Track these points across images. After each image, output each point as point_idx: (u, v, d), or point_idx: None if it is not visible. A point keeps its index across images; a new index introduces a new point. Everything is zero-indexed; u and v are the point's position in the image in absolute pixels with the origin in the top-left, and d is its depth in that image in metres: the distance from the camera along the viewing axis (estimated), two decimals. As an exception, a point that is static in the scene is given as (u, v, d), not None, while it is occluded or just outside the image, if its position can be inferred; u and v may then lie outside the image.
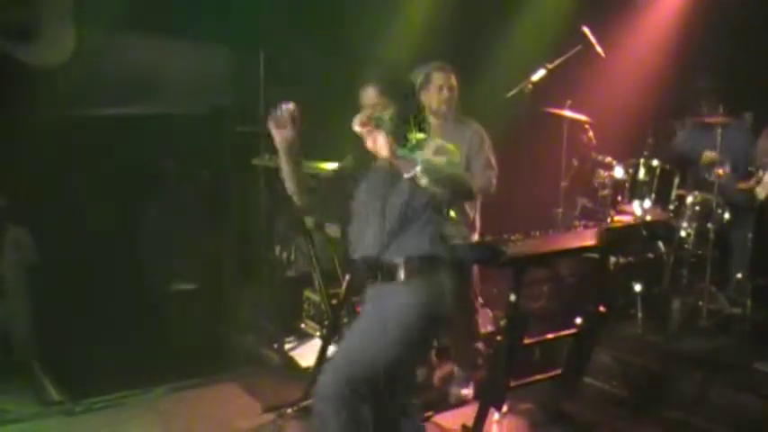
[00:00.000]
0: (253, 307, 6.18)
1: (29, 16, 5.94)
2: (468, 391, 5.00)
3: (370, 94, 3.35)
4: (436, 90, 4.80)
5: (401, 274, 3.31)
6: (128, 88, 6.09)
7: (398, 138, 3.18)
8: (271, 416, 4.86)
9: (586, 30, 5.81)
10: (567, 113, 6.02)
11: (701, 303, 5.64)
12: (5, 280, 5.69)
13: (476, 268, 4.93)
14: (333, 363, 3.40)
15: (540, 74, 5.53)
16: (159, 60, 6.24)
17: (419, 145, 3.24)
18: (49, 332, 5.32)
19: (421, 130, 3.34)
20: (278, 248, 6.13)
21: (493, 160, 4.85)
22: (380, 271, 3.35)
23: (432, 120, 4.76)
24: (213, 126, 6.37)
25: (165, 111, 6.20)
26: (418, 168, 3.05)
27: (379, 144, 3.09)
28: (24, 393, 5.21)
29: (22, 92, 5.89)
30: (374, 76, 3.39)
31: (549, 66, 5.56)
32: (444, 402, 4.94)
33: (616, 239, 4.77)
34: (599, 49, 5.83)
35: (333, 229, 4.50)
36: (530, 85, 5.49)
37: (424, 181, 3.06)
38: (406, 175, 3.09)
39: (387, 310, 3.32)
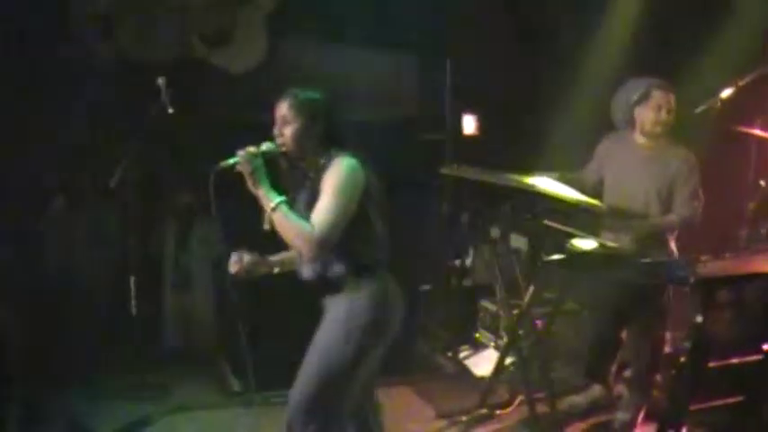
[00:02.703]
0: (428, 314, 6.24)
1: (225, 23, 6.23)
2: (631, 418, 4.80)
3: (281, 106, 3.39)
4: (654, 109, 4.62)
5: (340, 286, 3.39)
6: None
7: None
8: (443, 422, 4.93)
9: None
10: (758, 132, 5.82)
11: None
12: (192, 273, 5.98)
13: (671, 289, 4.71)
14: (297, 381, 3.41)
15: (729, 90, 5.37)
16: (347, 69, 6.35)
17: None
18: (231, 325, 5.53)
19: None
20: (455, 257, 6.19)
21: (700, 191, 4.68)
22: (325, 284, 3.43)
23: (640, 140, 4.74)
24: (399, 134, 6.47)
25: (351, 119, 6.33)
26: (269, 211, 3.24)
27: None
28: (206, 383, 5.47)
29: (213, 94, 6.19)
30: (291, 90, 3.42)
31: (740, 82, 5.39)
32: (610, 425, 4.85)
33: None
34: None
35: (517, 240, 4.51)
36: (718, 103, 5.34)
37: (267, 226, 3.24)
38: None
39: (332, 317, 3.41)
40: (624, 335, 4.91)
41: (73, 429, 4.58)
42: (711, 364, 4.33)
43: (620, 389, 5.00)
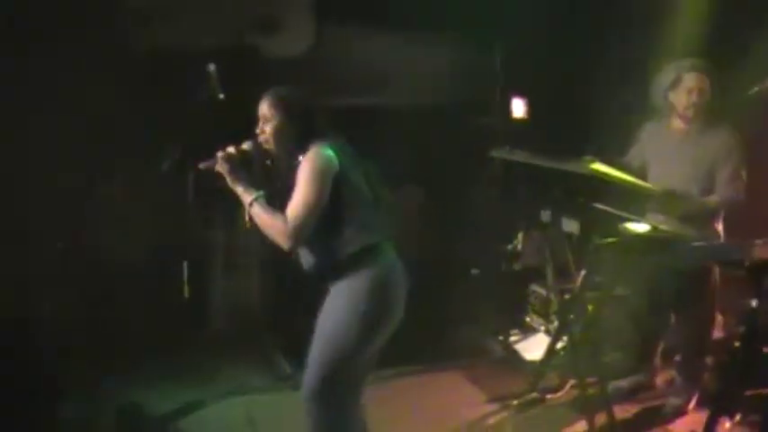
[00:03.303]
0: (478, 298, 6.24)
1: (273, 9, 6.25)
2: (686, 403, 4.79)
3: (261, 105, 3.55)
4: (685, 92, 4.57)
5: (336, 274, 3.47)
6: (363, 80, 6.26)
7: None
8: (494, 406, 4.94)
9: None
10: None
11: None
12: (242, 257, 6.02)
13: (717, 273, 4.70)
14: (308, 368, 3.51)
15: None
16: (394, 53, 6.36)
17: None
18: (282, 306, 5.57)
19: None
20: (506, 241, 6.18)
21: (743, 171, 4.59)
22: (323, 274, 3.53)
23: (677, 124, 4.69)
24: (448, 119, 6.47)
25: (400, 102, 6.34)
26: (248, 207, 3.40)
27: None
28: (257, 366, 5.52)
29: (262, 81, 6.21)
30: (271, 89, 3.57)
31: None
32: (661, 410, 4.81)
33: None
34: None
35: (569, 224, 4.48)
36: (768, 84, 5.22)
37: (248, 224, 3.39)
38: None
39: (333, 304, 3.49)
40: (671, 319, 4.89)
41: (126, 412, 4.64)
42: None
43: (672, 374, 4.97)
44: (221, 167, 3.46)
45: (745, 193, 4.62)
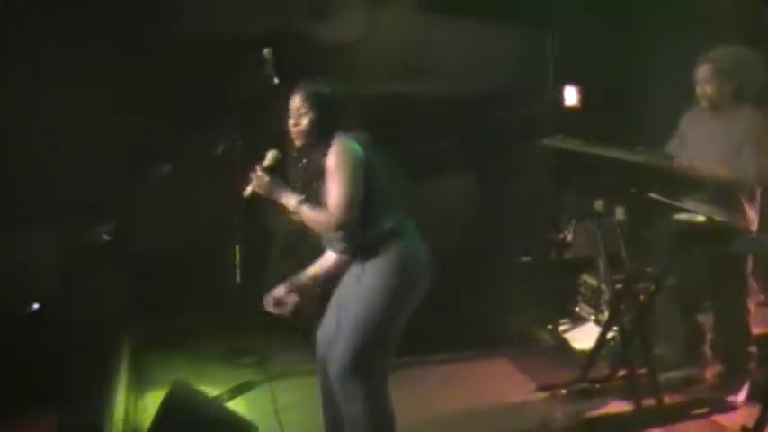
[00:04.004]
0: (527, 286, 6.22)
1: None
2: (736, 397, 4.73)
3: (294, 99, 3.64)
4: (698, 84, 4.61)
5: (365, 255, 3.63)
6: (415, 66, 6.26)
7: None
8: (543, 394, 4.93)
9: None
10: None
11: None
12: (297, 242, 6.03)
13: (751, 262, 4.67)
14: (336, 349, 3.63)
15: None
16: (448, 38, 6.32)
17: None
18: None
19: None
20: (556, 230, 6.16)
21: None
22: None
23: (708, 113, 4.67)
24: (500, 105, 6.45)
25: (451, 89, 6.33)
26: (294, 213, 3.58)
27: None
28: (307, 350, 5.54)
29: (312, 68, 6.22)
30: (304, 83, 3.68)
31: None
32: (714, 403, 4.75)
33: None
34: None
35: (622, 214, 4.46)
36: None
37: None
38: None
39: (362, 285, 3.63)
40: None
41: (177, 393, 4.70)
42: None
43: (719, 367, 4.92)
44: (259, 190, 3.64)
45: None
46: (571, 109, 6.35)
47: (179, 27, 5.85)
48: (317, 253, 3.87)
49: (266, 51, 5.02)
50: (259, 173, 3.63)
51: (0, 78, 5.31)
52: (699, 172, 4.48)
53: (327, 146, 3.52)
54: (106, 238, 5.86)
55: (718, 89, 4.57)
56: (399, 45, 6.15)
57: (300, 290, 3.78)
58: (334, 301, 3.83)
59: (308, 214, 3.54)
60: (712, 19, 5.61)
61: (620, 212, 4.49)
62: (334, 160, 3.49)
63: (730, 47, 4.66)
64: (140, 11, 5.70)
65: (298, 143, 3.67)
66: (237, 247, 5.45)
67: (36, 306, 5.37)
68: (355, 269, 3.68)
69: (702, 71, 4.61)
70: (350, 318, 3.60)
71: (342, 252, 3.72)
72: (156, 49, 5.71)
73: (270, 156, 3.67)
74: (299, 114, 3.61)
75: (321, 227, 3.58)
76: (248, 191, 3.67)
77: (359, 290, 3.61)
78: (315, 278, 3.83)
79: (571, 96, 6.36)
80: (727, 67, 4.56)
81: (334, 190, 3.47)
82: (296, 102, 3.63)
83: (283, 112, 3.71)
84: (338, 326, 3.63)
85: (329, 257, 3.81)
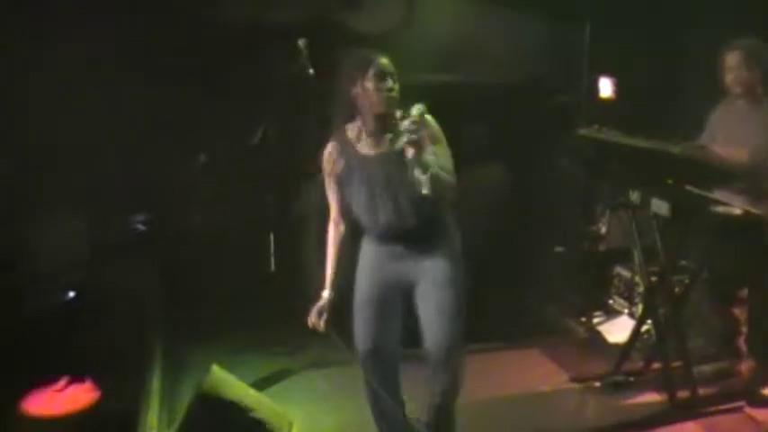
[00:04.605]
0: (561, 278, 6.21)
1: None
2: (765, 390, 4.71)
3: (386, 63, 3.57)
4: (726, 72, 4.59)
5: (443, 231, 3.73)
6: (450, 56, 6.24)
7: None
8: (577, 386, 4.93)
9: None
10: None
11: None
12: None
13: None
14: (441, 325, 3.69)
15: None
16: (486, 30, 6.32)
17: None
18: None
19: None
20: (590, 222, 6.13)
21: None
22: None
23: (740, 102, 4.64)
24: (535, 94, 6.45)
25: (486, 79, 6.32)
26: (425, 177, 3.35)
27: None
28: (342, 339, 5.56)
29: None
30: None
31: None
32: (749, 397, 4.70)
33: None
34: None
35: (658, 206, 4.42)
36: None
37: (425, 190, 3.34)
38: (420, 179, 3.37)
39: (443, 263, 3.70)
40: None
41: (211, 381, 4.73)
42: None
43: (752, 362, 4.88)
44: (415, 137, 3.43)
45: None
46: (606, 100, 6.32)
47: (213, 14, 5.89)
48: (353, 245, 3.85)
49: (301, 42, 5.02)
50: (416, 119, 3.44)
51: (32, 67, 5.37)
52: (731, 161, 4.45)
53: (404, 113, 3.48)
54: (141, 227, 5.94)
55: (749, 75, 4.54)
56: (433, 35, 6.15)
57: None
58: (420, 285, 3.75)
59: (440, 176, 3.45)
60: (744, 9, 5.56)
61: (655, 204, 4.45)
62: (437, 128, 3.61)
63: (755, 38, 4.63)
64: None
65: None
66: (272, 235, 5.47)
67: (71, 294, 5.46)
68: (428, 250, 3.68)
69: (732, 57, 4.58)
70: (446, 301, 3.67)
71: (412, 228, 3.63)
72: (192, 36, 5.74)
73: (416, 109, 3.48)
74: (393, 79, 3.55)
75: (449, 188, 3.54)
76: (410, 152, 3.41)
77: (445, 274, 3.67)
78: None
79: (606, 87, 6.33)
80: (756, 54, 4.54)
81: (446, 153, 3.61)
82: (390, 66, 3.57)
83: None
84: (440, 307, 3.67)
85: (339, 244, 3.83)
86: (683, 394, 4.58)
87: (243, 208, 5.99)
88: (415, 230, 3.63)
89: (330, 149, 3.70)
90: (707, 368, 4.96)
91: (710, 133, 4.77)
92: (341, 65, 3.65)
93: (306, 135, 5.28)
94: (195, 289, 5.78)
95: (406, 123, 3.40)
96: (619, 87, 6.31)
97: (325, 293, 3.80)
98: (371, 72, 3.52)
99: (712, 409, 4.57)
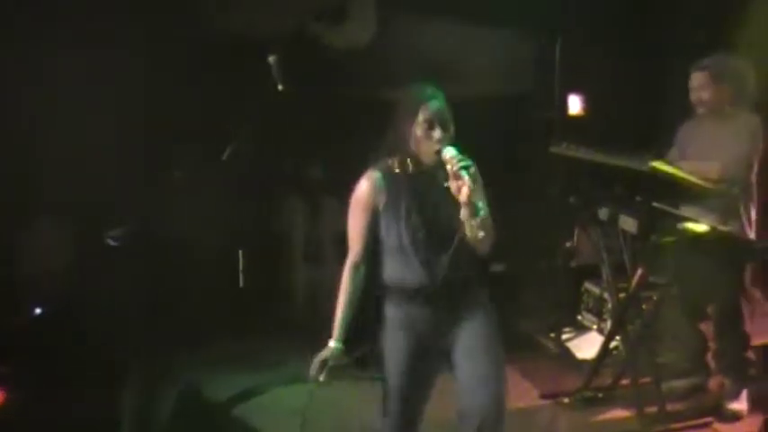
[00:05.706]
0: (533, 294, 6.23)
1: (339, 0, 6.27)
2: (740, 406, 4.73)
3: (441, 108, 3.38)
4: (691, 92, 4.63)
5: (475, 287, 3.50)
6: (423, 71, 6.25)
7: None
8: (547, 402, 4.94)
9: None
10: None
11: None
12: (322, 248, 6.06)
13: (749, 272, 4.68)
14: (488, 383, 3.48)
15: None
16: (459, 45, 6.34)
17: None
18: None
19: None
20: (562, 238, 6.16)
21: (753, 156, 4.48)
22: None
23: (707, 120, 4.65)
24: (511, 111, 6.47)
25: (463, 95, 6.32)
26: (477, 221, 3.19)
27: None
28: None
29: (326, 71, 6.23)
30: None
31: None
32: (717, 413, 4.74)
33: None
34: None
35: (626, 222, 4.45)
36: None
37: (476, 234, 3.20)
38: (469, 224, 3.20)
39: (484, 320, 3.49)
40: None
41: (188, 395, 4.71)
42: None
43: (721, 378, 4.92)
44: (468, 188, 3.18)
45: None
46: (575, 117, 6.36)
47: (186, 30, 5.88)
48: (338, 256, 3.75)
49: (271, 58, 5.03)
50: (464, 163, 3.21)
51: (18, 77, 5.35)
52: (703, 175, 4.46)
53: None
54: (112, 243, 5.89)
55: (715, 95, 4.56)
56: (408, 49, 6.17)
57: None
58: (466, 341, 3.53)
59: (483, 222, 3.24)
60: (716, 24, 5.62)
61: (623, 221, 4.48)
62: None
63: (723, 55, 4.68)
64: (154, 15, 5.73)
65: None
66: (241, 251, 5.46)
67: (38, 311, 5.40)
68: (473, 302, 3.49)
69: (696, 78, 4.61)
70: (493, 354, 3.49)
71: (448, 280, 3.38)
72: (165, 52, 5.73)
73: (452, 151, 3.24)
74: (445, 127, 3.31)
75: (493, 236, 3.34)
76: (465, 192, 3.18)
77: (491, 327, 3.50)
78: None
79: (575, 105, 6.37)
80: (722, 73, 4.56)
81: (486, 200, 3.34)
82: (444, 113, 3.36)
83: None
84: (491, 364, 3.49)
85: (356, 290, 3.51)
86: (651, 410, 4.60)
87: (215, 223, 5.97)
88: (453, 282, 3.38)
89: (374, 179, 3.38)
90: (677, 383, 4.99)
91: (680, 149, 4.79)
92: (396, 98, 3.43)
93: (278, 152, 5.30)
94: (170, 303, 5.74)
95: (456, 162, 3.19)
96: (589, 104, 6.35)
97: (332, 343, 3.48)
98: (421, 118, 3.29)
99: (680, 425, 4.60)
